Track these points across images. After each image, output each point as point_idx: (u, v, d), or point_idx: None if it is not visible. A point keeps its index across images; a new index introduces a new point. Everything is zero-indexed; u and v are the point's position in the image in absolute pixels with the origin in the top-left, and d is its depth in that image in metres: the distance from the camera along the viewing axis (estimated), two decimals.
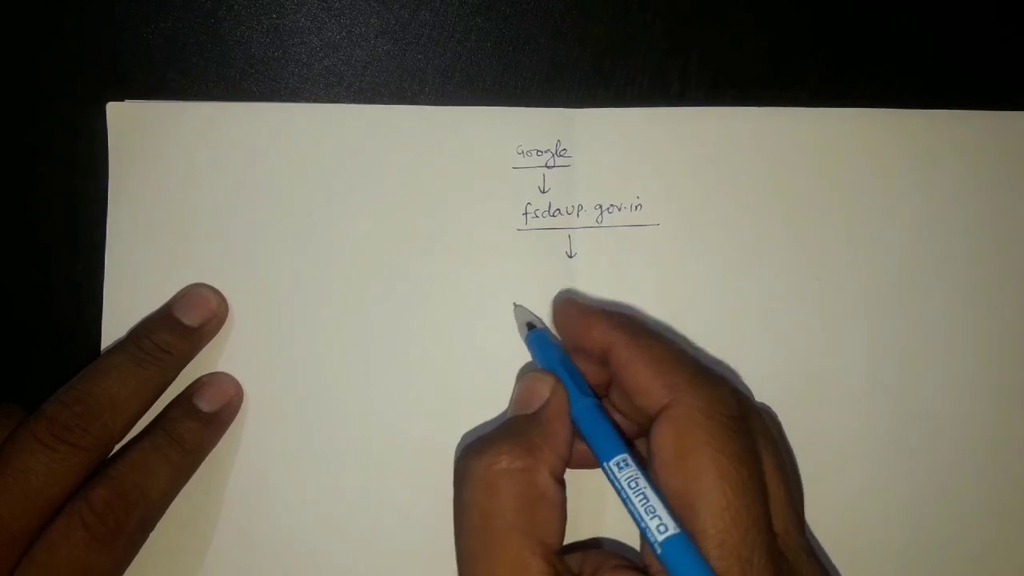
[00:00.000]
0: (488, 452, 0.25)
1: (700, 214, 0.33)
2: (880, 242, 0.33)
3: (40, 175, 0.32)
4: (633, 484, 0.24)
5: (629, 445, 0.26)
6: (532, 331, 0.30)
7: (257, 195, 0.32)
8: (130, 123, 0.32)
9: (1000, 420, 0.33)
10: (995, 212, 0.34)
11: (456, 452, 0.31)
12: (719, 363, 0.32)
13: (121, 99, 0.32)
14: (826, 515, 0.32)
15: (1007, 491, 0.33)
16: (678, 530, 0.23)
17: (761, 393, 0.32)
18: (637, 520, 0.24)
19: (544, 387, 0.27)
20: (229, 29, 0.33)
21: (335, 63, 0.33)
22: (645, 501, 0.23)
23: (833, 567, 0.31)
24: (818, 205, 0.33)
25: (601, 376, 0.28)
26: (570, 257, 0.32)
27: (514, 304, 0.32)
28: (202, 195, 0.32)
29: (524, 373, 0.31)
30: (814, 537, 0.31)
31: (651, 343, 0.26)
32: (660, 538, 0.23)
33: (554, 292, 0.32)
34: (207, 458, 0.30)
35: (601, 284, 0.32)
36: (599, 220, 0.33)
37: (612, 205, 0.33)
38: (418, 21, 0.33)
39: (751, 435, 0.25)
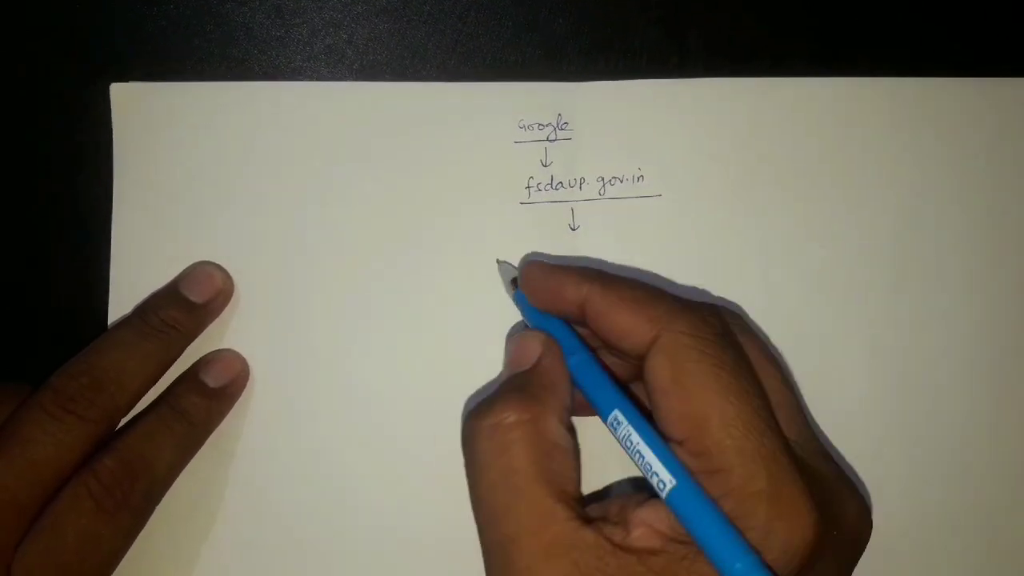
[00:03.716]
0: (494, 409, 0.25)
1: (701, 184, 0.33)
2: (879, 209, 0.33)
3: (45, 157, 0.32)
4: (627, 443, 0.24)
5: (625, 390, 0.25)
6: (519, 288, 0.29)
7: (260, 173, 0.32)
8: (134, 104, 0.32)
9: (1004, 387, 0.33)
10: (991, 177, 0.34)
11: (462, 417, 0.31)
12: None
13: (125, 80, 0.32)
14: None
15: (1012, 459, 0.33)
16: (674, 481, 0.23)
17: None
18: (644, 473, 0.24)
19: (536, 343, 0.27)
20: (231, 9, 0.33)
21: (337, 41, 0.33)
22: (641, 459, 0.23)
23: None
24: (817, 173, 0.33)
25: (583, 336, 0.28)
26: (573, 230, 0.32)
27: (497, 260, 0.32)
28: (206, 174, 0.32)
29: (514, 332, 0.31)
30: None
31: (624, 287, 0.26)
32: (662, 494, 0.23)
33: None
34: (213, 434, 0.30)
35: (604, 256, 0.32)
36: (601, 192, 0.33)
37: (614, 177, 0.33)
38: None
39: (740, 348, 0.25)
